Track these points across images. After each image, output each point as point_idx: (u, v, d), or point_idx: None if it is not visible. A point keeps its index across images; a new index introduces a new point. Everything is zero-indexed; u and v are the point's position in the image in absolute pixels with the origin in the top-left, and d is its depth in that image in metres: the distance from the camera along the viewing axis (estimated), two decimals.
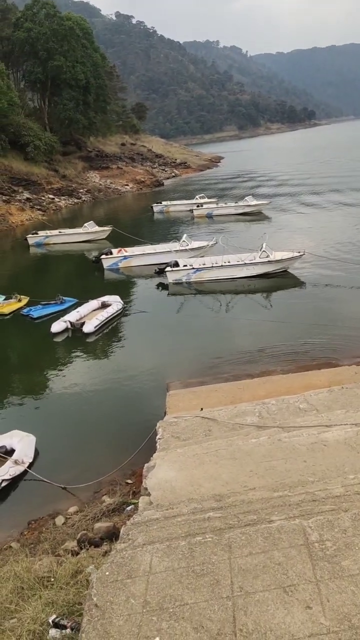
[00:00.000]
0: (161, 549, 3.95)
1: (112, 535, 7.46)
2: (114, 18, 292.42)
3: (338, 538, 3.67)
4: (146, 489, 6.28)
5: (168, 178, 72.61)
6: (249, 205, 38.39)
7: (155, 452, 8.13)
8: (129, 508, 8.46)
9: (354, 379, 11.14)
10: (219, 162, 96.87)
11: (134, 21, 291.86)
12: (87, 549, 7.24)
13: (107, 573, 3.92)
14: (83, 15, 76.28)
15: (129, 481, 9.80)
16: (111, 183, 61.72)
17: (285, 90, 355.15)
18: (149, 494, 6.13)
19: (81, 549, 7.44)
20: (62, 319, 17.95)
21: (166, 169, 77.50)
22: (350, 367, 12.34)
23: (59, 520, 8.93)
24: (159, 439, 8.81)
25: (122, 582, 3.81)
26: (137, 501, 7.40)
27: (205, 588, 3.63)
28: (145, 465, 7.18)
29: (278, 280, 21.36)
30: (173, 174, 76.13)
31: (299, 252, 21.64)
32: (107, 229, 33.58)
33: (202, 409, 10.23)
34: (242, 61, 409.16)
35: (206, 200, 42.57)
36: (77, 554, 7.27)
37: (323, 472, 5.77)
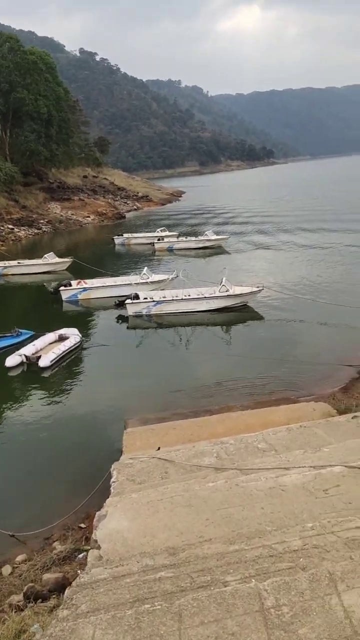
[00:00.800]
0: (105, 620, 3.57)
1: (62, 588, 7.00)
2: (78, 54, 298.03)
3: (295, 602, 3.40)
4: (96, 541, 5.87)
5: (130, 211, 73.13)
6: (209, 240, 38.91)
7: (109, 497, 7.75)
8: (80, 555, 8.03)
9: (312, 416, 11.11)
10: (181, 196, 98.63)
11: (97, 58, 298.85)
12: (34, 604, 6.76)
13: None
14: (47, 50, 77.31)
15: (82, 525, 9.34)
16: (72, 214, 61.59)
17: (245, 130, 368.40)
18: (98, 547, 5.72)
19: (27, 603, 6.95)
20: (17, 352, 17.37)
21: (128, 202, 78.14)
22: (308, 404, 12.35)
23: (6, 570, 8.38)
24: (114, 482, 8.43)
25: None
26: (89, 547, 6.99)
27: None
28: (97, 513, 6.77)
29: (237, 314, 21.49)
30: (135, 207, 76.78)
31: (258, 287, 21.89)
32: (68, 260, 33.19)
33: (159, 448, 9.93)
34: (203, 100, 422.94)
35: (167, 233, 42.86)
36: (23, 609, 6.78)
37: (281, 520, 5.54)
